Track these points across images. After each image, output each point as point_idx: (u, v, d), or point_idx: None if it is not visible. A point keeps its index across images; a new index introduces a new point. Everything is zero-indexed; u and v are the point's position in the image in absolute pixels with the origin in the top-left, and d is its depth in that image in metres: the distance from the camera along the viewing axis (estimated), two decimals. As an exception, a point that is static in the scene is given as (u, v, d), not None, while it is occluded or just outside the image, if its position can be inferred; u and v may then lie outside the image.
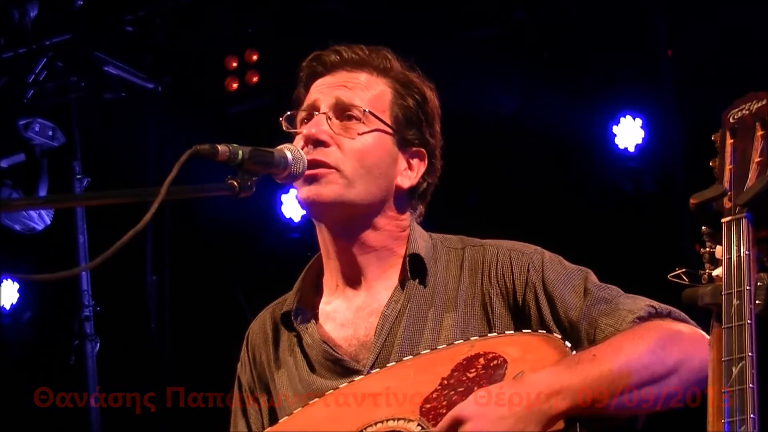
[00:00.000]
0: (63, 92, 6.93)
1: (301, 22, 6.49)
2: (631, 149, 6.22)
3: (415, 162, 2.84)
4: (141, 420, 7.01)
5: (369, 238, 2.81)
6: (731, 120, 2.20)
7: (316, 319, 2.85)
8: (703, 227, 2.18)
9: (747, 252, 2.09)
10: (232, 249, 7.19)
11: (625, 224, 6.21)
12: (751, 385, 2.01)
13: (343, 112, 2.79)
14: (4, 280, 7.31)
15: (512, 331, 2.67)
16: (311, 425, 2.67)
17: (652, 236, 6.02)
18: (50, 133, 6.83)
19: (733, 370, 2.03)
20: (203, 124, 6.88)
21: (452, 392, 2.53)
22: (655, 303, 2.64)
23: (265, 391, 2.89)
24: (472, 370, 2.55)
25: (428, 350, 2.68)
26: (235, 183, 2.52)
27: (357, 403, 2.62)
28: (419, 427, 2.51)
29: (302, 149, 2.73)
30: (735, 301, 2.07)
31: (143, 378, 7.10)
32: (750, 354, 2.03)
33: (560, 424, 2.44)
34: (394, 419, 2.54)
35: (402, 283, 2.80)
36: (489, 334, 2.67)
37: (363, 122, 2.78)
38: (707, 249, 2.17)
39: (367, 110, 2.78)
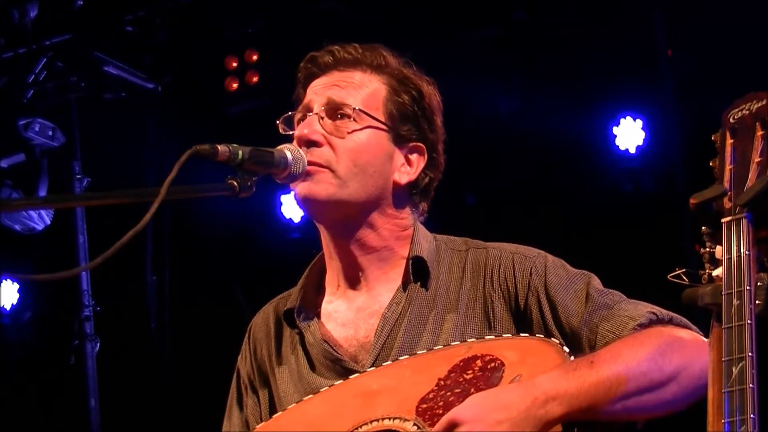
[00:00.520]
0: (63, 92, 6.93)
1: (301, 22, 6.49)
2: (632, 150, 6.22)
3: (413, 157, 2.84)
4: (141, 420, 7.01)
5: (369, 238, 2.81)
6: (731, 120, 2.20)
7: (318, 317, 2.85)
8: (703, 227, 2.18)
9: (747, 252, 2.09)
10: (232, 249, 7.19)
11: (625, 224, 6.21)
12: (751, 385, 2.01)
13: (335, 111, 2.79)
14: (4, 281, 7.31)
15: (510, 335, 2.67)
16: (306, 421, 2.67)
17: (652, 236, 6.02)
18: (50, 133, 6.83)
19: (733, 370, 2.03)
20: (203, 124, 6.89)
21: (448, 393, 2.53)
22: (656, 309, 2.63)
23: (265, 384, 2.89)
24: (469, 372, 2.55)
25: (425, 350, 2.68)
26: (235, 183, 2.53)
27: (353, 401, 2.62)
28: (415, 427, 2.51)
29: None
30: (735, 301, 2.07)
31: (143, 378, 7.11)
32: (750, 354, 2.03)
33: (557, 429, 2.44)
34: (390, 418, 2.54)
35: (404, 285, 2.80)
36: (486, 337, 2.67)
37: (355, 120, 2.78)
38: (707, 249, 2.17)
39: (358, 108, 2.78)
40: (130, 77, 6.86)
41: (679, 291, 2.18)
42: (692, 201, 2.17)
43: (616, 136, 6.26)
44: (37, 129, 6.78)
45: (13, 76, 6.89)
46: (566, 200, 6.39)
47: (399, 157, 2.82)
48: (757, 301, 2.08)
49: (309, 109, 2.82)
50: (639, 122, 6.21)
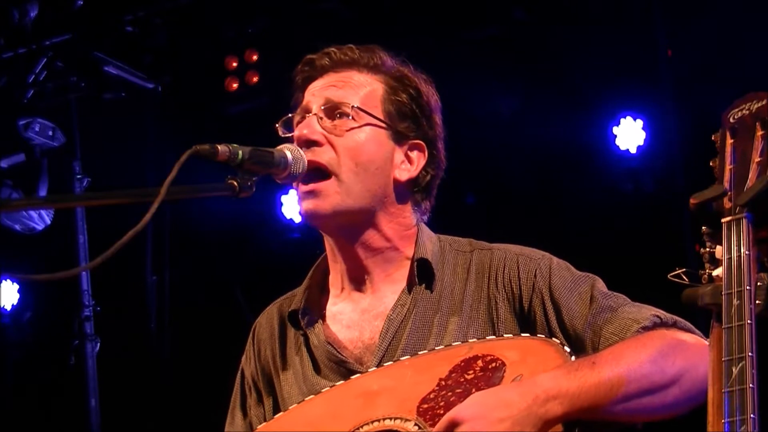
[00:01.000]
0: (63, 92, 6.93)
1: (301, 22, 6.49)
2: (632, 150, 6.22)
3: (414, 155, 2.85)
4: (141, 420, 7.01)
5: (373, 239, 2.81)
6: (731, 120, 2.20)
7: (323, 319, 2.85)
8: (703, 227, 2.18)
9: (747, 252, 2.09)
10: (232, 249, 7.19)
11: (626, 224, 6.21)
12: (751, 385, 2.01)
13: (333, 111, 2.80)
14: (4, 281, 7.31)
15: (511, 335, 2.67)
16: (307, 421, 2.67)
17: (652, 236, 6.02)
18: (50, 133, 6.83)
19: (733, 370, 2.03)
20: (203, 124, 6.89)
21: (449, 393, 2.53)
22: (660, 312, 2.64)
23: (269, 386, 2.89)
24: (470, 372, 2.55)
25: (426, 351, 2.68)
26: (235, 183, 2.53)
27: (353, 401, 2.62)
28: (416, 427, 2.51)
29: None
30: (735, 301, 2.07)
31: (143, 378, 7.10)
32: (750, 354, 2.03)
33: (558, 428, 2.44)
34: (390, 418, 2.54)
35: (409, 287, 2.80)
36: (488, 337, 2.67)
37: (354, 119, 2.79)
38: (707, 249, 2.17)
39: (356, 107, 2.79)
40: (130, 77, 6.85)
41: (679, 291, 2.18)
42: (692, 201, 2.17)
43: (616, 136, 6.26)
44: (37, 129, 6.78)
45: (13, 76, 6.89)
46: (566, 200, 6.39)
47: (399, 154, 2.83)
48: (757, 301, 2.08)
49: (307, 110, 2.83)
50: (639, 122, 6.21)
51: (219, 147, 2.51)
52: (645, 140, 6.20)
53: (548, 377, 2.46)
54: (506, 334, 2.70)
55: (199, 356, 6.98)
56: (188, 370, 7.05)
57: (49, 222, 6.98)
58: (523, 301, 2.74)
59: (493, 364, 2.54)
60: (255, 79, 6.74)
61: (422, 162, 2.85)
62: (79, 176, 6.92)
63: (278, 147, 2.70)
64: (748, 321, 2.05)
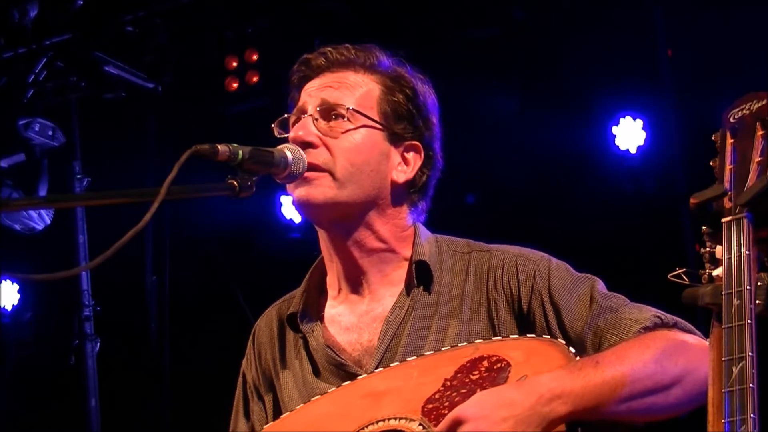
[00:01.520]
0: (63, 92, 6.93)
1: (301, 22, 6.49)
2: (632, 150, 6.22)
3: (410, 156, 2.84)
4: (141, 420, 7.01)
5: (367, 240, 2.80)
6: (731, 120, 2.20)
7: (322, 321, 2.85)
8: (703, 227, 2.18)
9: (747, 252, 2.09)
10: (232, 249, 7.19)
11: (626, 224, 6.21)
12: (751, 385, 2.01)
13: (329, 112, 2.80)
14: (4, 281, 7.31)
15: (517, 336, 2.67)
16: (313, 421, 2.67)
17: (653, 236, 6.02)
18: (50, 133, 6.83)
19: (733, 370, 2.03)
20: (203, 124, 6.88)
21: (454, 393, 2.53)
22: (661, 313, 2.64)
23: (270, 389, 2.89)
24: (476, 373, 2.55)
25: (432, 351, 2.68)
26: (235, 183, 2.52)
27: (360, 401, 2.63)
28: (421, 427, 2.51)
29: None
30: (735, 301, 2.07)
31: (143, 378, 7.10)
32: (750, 354, 2.03)
33: (561, 428, 2.44)
34: (396, 418, 2.55)
35: (407, 289, 2.80)
36: (494, 338, 2.68)
37: (349, 120, 2.78)
38: (707, 249, 2.17)
39: (352, 108, 2.78)
40: (130, 77, 6.85)
41: (679, 291, 2.18)
42: (692, 201, 2.17)
43: (615, 136, 6.25)
44: (37, 129, 6.77)
45: (13, 76, 6.88)
46: (566, 200, 6.38)
47: (395, 156, 2.82)
48: (757, 301, 2.08)
49: (303, 111, 2.82)
50: (639, 122, 6.21)
51: (219, 147, 2.51)
52: (645, 140, 6.19)
53: (552, 377, 2.46)
54: (507, 335, 2.70)
55: (199, 356, 6.98)
56: (188, 370, 7.05)
57: (49, 222, 6.98)
58: (522, 302, 2.73)
59: (499, 365, 2.54)
60: (255, 79, 6.74)
61: (418, 163, 2.84)
62: (79, 176, 6.92)
63: (278, 147, 2.70)
64: (748, 321, 2.05)
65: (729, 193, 2.14)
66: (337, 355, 2.78)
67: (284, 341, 2.90)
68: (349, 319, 2.83)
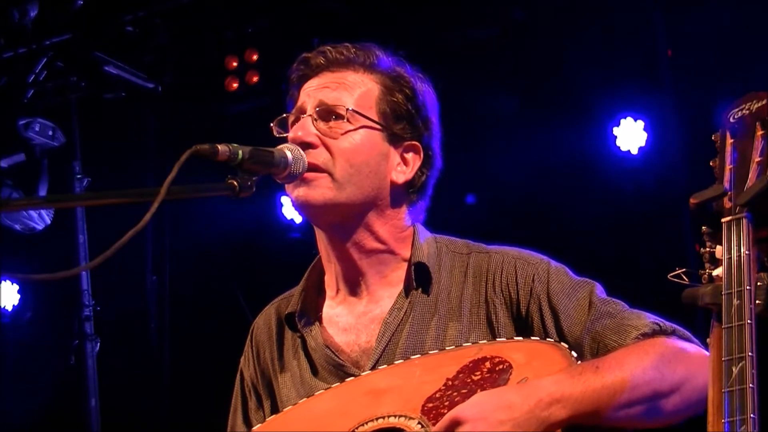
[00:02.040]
0: (63, 92, 6.93)
1: (301, 22, 6.49)
2: (632, 150, 6.21)
3: (409, 156, 2.83)
4: (141, 420, 7.01)
5: (366, 240, 2.80)
6: (731, 120, 2.20)
7: (320, 321, 2.85)
8: (703, 227, 2.18)
9: (747, 252, 2.09)
10: (232, 249, 7.19)
11: (626, 224, 6.21)
12: (751, 385, 2.01)
13: (328, 112, 2.79)
14: (4, 281, 7.31)
15: (521, 338, 2.67)
16: (314, 416, 2.68)
17: (653, 236, 6.02)
18: (50, 133, 6.83)
19: (733, 370, 2.03)
20: (203, 124, 6.88)
21: (455, 393, 2.53)
22: (659, 320, 2.64)
23: (268, 388, 2.89)
24: (477, 373, 2.55)
25: (437, 350, 2.68)
26: (235, 183, 2.52)
27: (361, 398, 2.63)
28: (419, 425, 2.51)
29: None
30: (735, 301, 2.07)
31: (143, 378, 7.10)
32: (750, 354, 2.03)
33: None
34: (395, 416, 2.55)
35: (406, 290, 2.80)
36: (498, 339, 2.68)
37: (349, 121, 2.77)
38: (707, 249, 2.17)
39: (351, 109, 2.77)
40: (130, 77, 6.85)
41: (679, 291, 2.18)
42: (692, 201, 2.17)
43: (616, 136, 6.25)
44: (37, 129, 6.78)
45: (13, 76, 6.89)
46: (566, 200, 6.38)
47: (395, 156, 2.82)
48: (757, 301, 2.08)
49: (302, 111, 2.81)
50: (640, 123, 6.20)
51: (219, 147, 2.51)
52: (646, 141, 6.19)
53: (551, 381, 2.46)
54: (508, 337, 2.70)
55: (199, 356, 6.98)
56: (188, 370, 7.05)
57: (49, 222, 6.98)
58: (520, 305, 2.73)
59: (500, 366, 2.55)
60: (255, 79, 6.74)
61: (418, 163, 2.84)
62: (79, 176, 6.92)
63: (278, 147, 2.69)
64: (748, 321, 2.05)
65: (729, 193, 2.14)
66: (336, 355, 2.78)
67: (282, 340, 2.90)
68: (347, 320, 2.82)
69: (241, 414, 2.94)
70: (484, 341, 2.65)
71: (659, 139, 6.18)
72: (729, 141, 2.19)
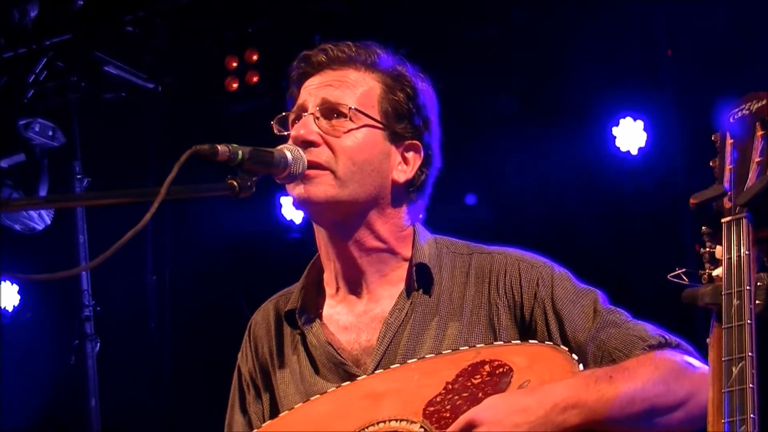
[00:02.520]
0: (63, 92, 6.93)
1: (301, 22, 6.49)
2: (632, 150, 6.21)
3: (410, 155, 2.83)
4: (141, 420, 7.01)
5: (367, 239, 2.80)
6: (731, 120, 2.20)
7: (321, 319, 2.85)
8: (703, 227, 2.18)
9: (747, 252, 2.09)
10: (232, 249, 7.19)
11: (626, 224, 6.21)
12: (751, 385, 2.01)
13: (330, 111, 2.78)
14: (4, 282, 7.31)
15: (519, 341, 2.68)
16: (312, 421, 2.67)
17: (653, 236, 6.02)
18: (50, 133, 6.83)
19: (733, 370, 2.03)
20: (203, 124, 6.88)
21: (456, 397, 2.54)
22: (664, 333, 2.66)
23: (267, 383, 2.89)
24: (477, 377, 2.56)
25: (432, 354, 2.68)
26: (235, 183, 2.52)
27: (359, 402, 2.63)
28: (422, 429, 2.51)
29: None
30: (735, 301, 2.07)
31: (143, 378, 7.10)
32: (750, 354, 2.03)
33: None
34: (396, 420, 2.55)
35: (407, 291, 2.80)
36: (495, 342, 2.68)
37: (351, 120, 2.77)
38: (707, 249, 2.17)
39: (354, 107, 2.77)
40: (130, 77, 6.85)
41: (679, 291, 2.19)
42: (692, 201, 2.17)
43: (616, 137, 6.25)
44: (37, 129, 6.78)
45: (13, 76, 6.89)
46: (566, 200, 6.38)
47: (396, 155, 2.81)
48: (757, 301, 2.08)
49: (304, 109, 2.80)
50: (640, 123, 6.20)
51: (219, 147, 2.51)
52: (646, 141, 6.19)
53: (566, 386, 2.47)
54: (508, 340, 2.70)
55: (199, 356, 6.97)
56: (188, 370, 7.05)
57: (49, 222, 6.98)
58: (524, 309, 2.74)
59: (500, 370, 2.55)
60: (255, 79, 6.74)
61: (418, 162, 2.83)
62: (79, 176, 6.91)
63: (278, 147, 2.69)
64: (748, 321, 2.05)
65: (729, 193, 2.14)
66: (337, 353, 2.78)
67: (281, 336, 2.90)
68: (347, 319, 2.82)
69: (239, 409, 2.93)
70: (482, 345, 2.65)
71: (659, 139, 6.18)
72: (729, 141, 2.19)
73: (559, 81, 6.23)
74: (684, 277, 2.21)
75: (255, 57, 6.75)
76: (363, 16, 6.37)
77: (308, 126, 2.76)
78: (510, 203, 6.43)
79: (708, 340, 2.13)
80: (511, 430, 2.40)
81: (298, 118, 2.81)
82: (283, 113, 2.86)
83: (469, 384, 2.54)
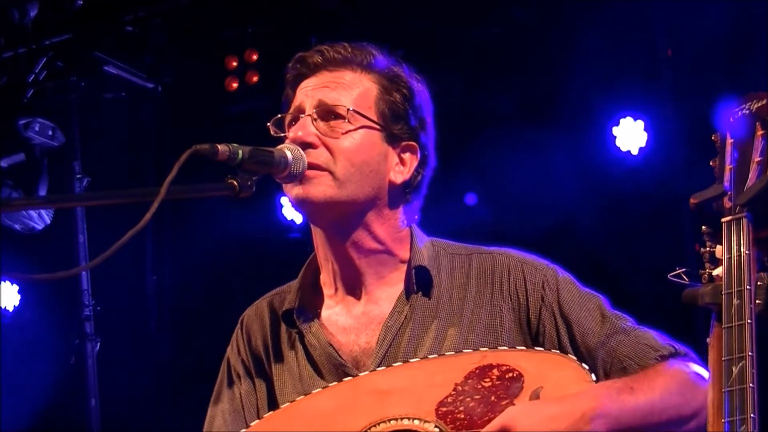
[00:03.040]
0: (63, 92, 6.93)
1: (301, 22, 6.49)
2: (632, 150, 6.21)
3: (407, 156, 2.83)
4: (141, 420, 7.01)
5: (364, 240, 2.79)
6: (731, 120, 2.20)
7: (319, 319, 2.84)
8: (703, 227, 2.18)
9: (747, 252, 2.09)
10: (232, 249, 7.19)
11: (625, 224, 6.21)
12: (751, 385, 2.02)
13: (328, 112, 2.78)
14: (4, 282, 7.31)
15: (524, 347, 2.69)
16: (317, 414, 2.67)
17: (653, 236, 6.02)
18: (50, 132, 6.83)
19: (733, 369, 2.03)
20: (203, 124, 6.88)
21: (468, 399, 2.55)
22: (672, 342, 2.69)
23: (261, 373, 2.88)
24: (487, 380, 2.57)
25: (435, 355, 2.68)
26: (235, 183, 2.52)
27: (365, 398, 2.63)
28: (437, 429, 2.53)
29: None
30: (735, 301, 2.07)
31: (143, 378, 7.10)
32: (750, 354, 2.03)
33: None
34: (409, 418, 2.55)
35: (407, 293, 2.80)
36: (499, 347, 2.68)
37: (349, 121, 2.76)
38: (707, 249, 2.17)
39: (351, 109, 2.77)
40: (130, 77, 6.86)
41: (679, 291, 2.19)
42: (692, 201, 2.17)
43: (616, 137, 6.25)
44: (37, 129, 6.78)
45: (13, 76, 6.89)
46: (566, 200, 6.38)
47: (393, 156, 2.81)
48: (757, 301, 2.08)
49: (301, 111, 2.80)
50: (640, 123, 6.20)
51: (219, 147, 2.51)
52: (646, 141, 6.18)
53: (592, 397, 2.50)
54: (510, 343, 2.71)
55: (198, 356, 6.97)
56: (188, 370, 7.05)
57: (49, 222, 6.98)
58: (530, 313, 2.75)
59: (510, 374, 2.56)
60: (255, 79, 6.73)
61: (414, 163, 2.83)
62: (79, 176, 6.92)
63: (278, 147, 2.69)
64: (748, 321, 2.05)
65: (729, 193, 2.15)
66: (338, 354, 2.77)
67: (277, 332, 2.89)
68: (345, 320, 2.82)
69: (227, 395, 2.90)
70: (485, 349, 2.65)
71: (659, 139, 6.18)
72: (729, 141, 2.19)
73: (560, 81, 6.23)
74: (684, 277, 2.21)
75: (255, 57, 6.74)
76: (363, 17, 6.37)
77: (306, 127, 2.76)
78: (510, 203, 6.42)
79: (708, 339, 2.13)
80: None
81: (295, 119, 2.81)
82: (279, 115, 2.86)
83: (480, 387, 2.56)
